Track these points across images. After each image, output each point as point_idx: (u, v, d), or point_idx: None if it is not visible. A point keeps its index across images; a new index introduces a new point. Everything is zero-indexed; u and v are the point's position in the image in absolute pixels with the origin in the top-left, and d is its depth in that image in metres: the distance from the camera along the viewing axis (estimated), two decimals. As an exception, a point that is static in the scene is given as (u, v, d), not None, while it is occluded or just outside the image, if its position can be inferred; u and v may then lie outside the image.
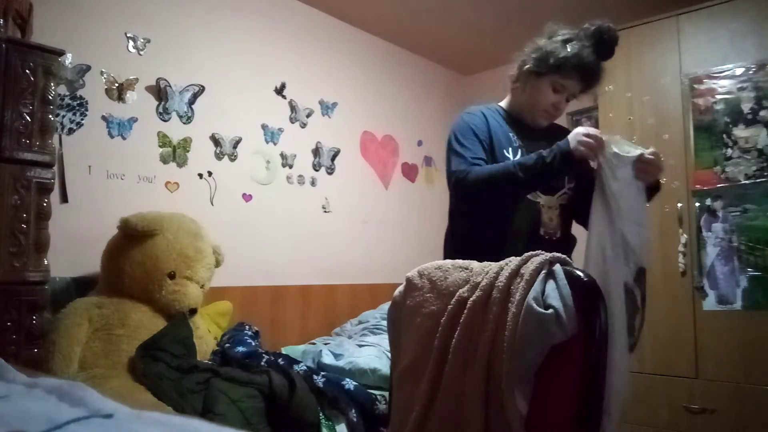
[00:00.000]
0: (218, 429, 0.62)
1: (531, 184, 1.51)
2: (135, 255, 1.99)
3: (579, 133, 1.40)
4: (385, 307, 1.47)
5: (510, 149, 1.59)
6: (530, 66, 1.59)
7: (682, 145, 2.65)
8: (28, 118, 1.61)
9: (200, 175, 2.64)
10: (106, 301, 1.94)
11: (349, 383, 2.01)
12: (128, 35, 2.43)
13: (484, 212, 1.56)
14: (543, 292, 1.01)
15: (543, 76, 1.57)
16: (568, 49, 1.53)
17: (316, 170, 3.18)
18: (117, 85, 2.37)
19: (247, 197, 2.82)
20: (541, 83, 1.59)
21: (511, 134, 1.62)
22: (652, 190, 1.45)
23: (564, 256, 1.07)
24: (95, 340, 1.83)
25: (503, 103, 1.73)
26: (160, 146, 2.50)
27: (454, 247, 1.65)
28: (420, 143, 3.86)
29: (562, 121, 3.71)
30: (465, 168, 1.52)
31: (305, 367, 2.03)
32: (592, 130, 1.40)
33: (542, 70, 1.56)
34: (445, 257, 1.59)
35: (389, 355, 1.32)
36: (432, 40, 3.69)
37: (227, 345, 2.17)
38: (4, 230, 1.54)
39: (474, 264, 1.18)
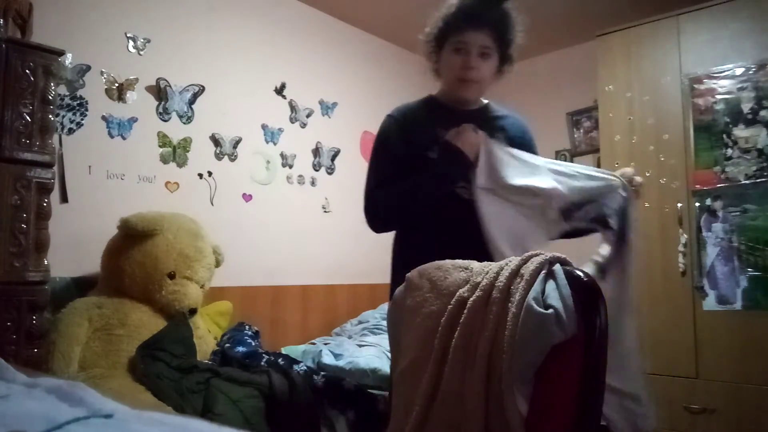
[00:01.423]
0: (218, 429, 0.62)
1: (431, 193, 1.45)
2: (135, 255, 1.99)
3: (457, 131, 1.42)
4: (385, 307, 1.47)
5: (436, 147, 1.48)
6: (431, 45, 1.55)
7: (682, 145, 2.65)
8: (28, 118, 1.61)
9: (200, 175, 2.64)
10: (106, 301, 1.94)
11: (349, 383, 2.01)
12: (128, 35, 2.43)
13: (416, 224, 1.51)
14: (543, 292, 1.01)
15: (443, 46, 1.52)
16: (451, 8, 1.50)
17: (316, 170, 3.18)
18: (117, 85, 2.37)
19: (247, 197, 2.82)
20: (445, 54, 1.52)
21: (441, 129, 1.49)
22: None
23: (564, 256, 1.07)
24: (95, 340, 1.83)
25: (436, 92, 1.65)
26: (160, 146, 2.50)
27: (402, 260, 1.52)
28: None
29: (561, 121, 3.73)
30: (367, 196, 1.54)
31: (305, 367, 2.03)
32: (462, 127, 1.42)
33: (439, 40, 1.53)
34: (395, 271, 1.57)
35: (389, 355, 1.32)
36: (432, 40, 3.69)
37: (227, 345, 2.17)
38: (4, 230, 1.54)
39: (474, 264, 1.18)
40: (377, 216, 1.54)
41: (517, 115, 1.65)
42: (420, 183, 1.45)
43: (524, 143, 1.57)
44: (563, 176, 1.42)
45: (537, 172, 1.42)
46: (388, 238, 1.66)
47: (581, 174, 1.43)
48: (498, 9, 1.48)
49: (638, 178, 1.44)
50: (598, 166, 3.12)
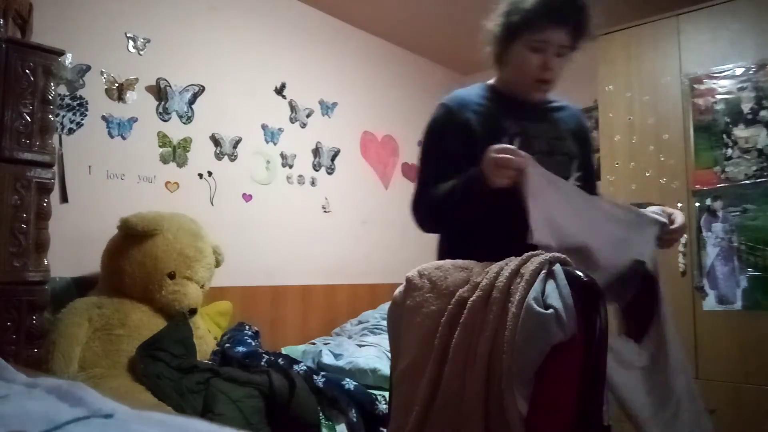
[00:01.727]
0: (218, 429, 0.62)
1: (466, 212, 1.30)
2: (135, 255, 1.99)
3: (490, 150, 1.18)
4: (385, 307, 1.47)
5: (503, 140, 1.33)
6: (500, 35, 1.39)
7: (682, 145, 2.65)
8: (28, 118, 1.61)
9: (200, 175, 2.64)
10: (106, 301, 1.94)
11: (349, 383, 2.01)
12: (128, 35, 2.43)
13: (473, 224, 1.35)
14: (543, 292, 1.01)
15: (515, 40, 1.35)
16: (528, 1, 1.31)
17: (316, 170, 3.18)
18: (117, 85, 2.37)
19: (247, 197, 2.82)
20: (516, 49, 1.36)
21: (506, 121, 1.37)
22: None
23: (564, 256, 1.07)
24: (95, 340, 1.83)
25: (493, 80, 1.50)
26: (160, 146, 2.50)
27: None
28: (420, 143, 3.86)
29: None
30: (416, 193, 1.40)
31: (305, 367, 2.03)
32: (507, 147, 1.18)
33: (511, 34, 1.35)
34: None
35: (389, 355, 1.31)
36: (432, 40, 3.69)
37: (227, 345, 2.17)
38: (4, 230, 1.54)
39: (474, 264, 1.18)
40: (421, 217, 1.41)
41: (572, 106, 1.54)
42: (454, 192, 1.30)
43: (582, 136, 1.47)
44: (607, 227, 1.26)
45: (587, 222, 1.23)
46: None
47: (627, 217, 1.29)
48: (578, 3, 1.34)
49: (678, 220, 1.34)
50: (598, 166, 3.12)
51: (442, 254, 1.43)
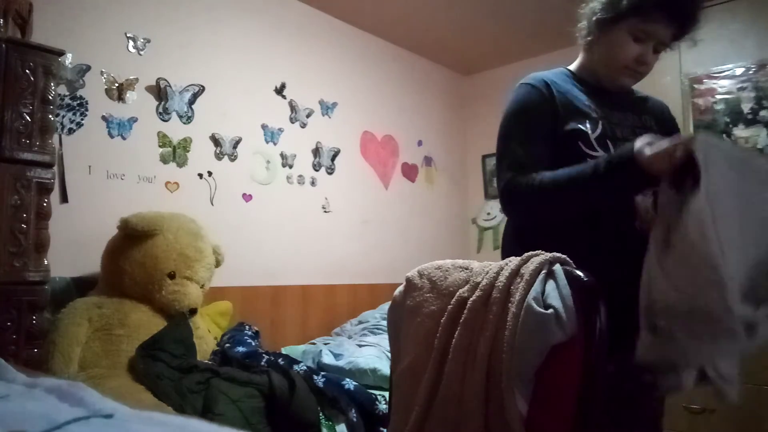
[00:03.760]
0: (218, 429, 0.62)
1: (594, 202, 1.18)
2: (135, 255, 1.99)
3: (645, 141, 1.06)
4: (385, 307, 1.47)
5: (588, 122, 1.27)
6: (601, 13, 1.27)
7: (682, 145, 2.65)
8: (28, 118, 1.61)
9: (200, 175, 2.64)
10: (106, 301, 1.94)
11: (349, 383, 2.01)
12: (128, 35, 2.43)
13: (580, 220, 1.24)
14: (543, 292, 1.01)
15: (619, 23, 1.25)
16: None
17: (316, 170, 3.18)
18: (117, 85, 2.37)
19: (247, 197, 2.82)
20: (617, 33, 1.26)
21: (588, 102, 1.30)
22: None
23: (564, 256, 1.07)
24: (95, 340, 1.83)
25: (573, 66, 1.41)
26: (160, 146, 2.50)
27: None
28: (420, 143, 3.87)
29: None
30: (512, 176, 1.25)
31: (305, 367, 2.03)
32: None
33: (617, 15, 1.24)
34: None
35: (389, 355, 1.32)
36: (432, 40, 3.69)
37: (227, 345, 2.17)
38: (4, 230, 1.54)
39: (474, 264, 1.18)
40: (526, 203, 1.26)
41: (655, 98, 1.48)
42: (586, 186, 1.16)
43: (668, 128, 1.38)
44: None
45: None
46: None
47: None
48: (695, 4, 1.25)
49: None
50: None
51: (519, 246, 1.21)
